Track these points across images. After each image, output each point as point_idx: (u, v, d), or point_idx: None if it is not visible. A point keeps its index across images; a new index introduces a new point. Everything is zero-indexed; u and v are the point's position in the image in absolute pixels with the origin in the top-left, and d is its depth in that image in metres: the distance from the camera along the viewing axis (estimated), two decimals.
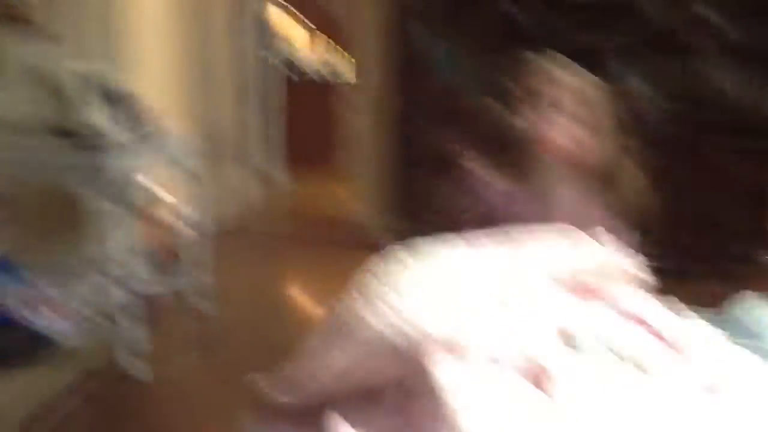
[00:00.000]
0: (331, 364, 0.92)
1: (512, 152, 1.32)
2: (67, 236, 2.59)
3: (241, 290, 3.13)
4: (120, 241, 2.21)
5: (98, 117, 2.32)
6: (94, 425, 1.88)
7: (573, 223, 1.12)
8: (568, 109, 1.29)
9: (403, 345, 0.83)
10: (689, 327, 0.99)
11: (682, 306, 1.08)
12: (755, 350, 1.00)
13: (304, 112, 6.37)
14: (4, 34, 2.34)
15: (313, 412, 0.92)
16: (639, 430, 0.76)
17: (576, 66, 1.33)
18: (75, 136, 2.20)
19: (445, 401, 0.76)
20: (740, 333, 1.18)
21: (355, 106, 4.04)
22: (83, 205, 2.55)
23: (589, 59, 1.30)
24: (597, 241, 1.09)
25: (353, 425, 0.86)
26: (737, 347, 0.99)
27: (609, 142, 1.30)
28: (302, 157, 6.19)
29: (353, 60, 4.35)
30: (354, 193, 4.16)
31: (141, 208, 2.75)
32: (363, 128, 3.95)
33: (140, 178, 2.48)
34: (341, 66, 7.04)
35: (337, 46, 7.19)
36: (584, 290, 1.00)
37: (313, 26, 7.49)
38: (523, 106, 1.31)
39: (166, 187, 3.66)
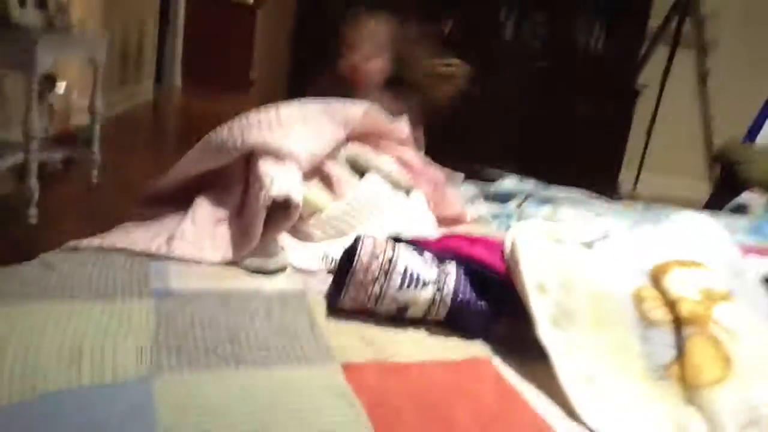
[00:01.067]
0: (193, 159, 1.42)
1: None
2: None
3: (122, 167, 3.56)
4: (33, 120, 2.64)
5: (30, 15, 2.70)
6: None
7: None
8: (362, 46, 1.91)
9: (244, 149, 1.35)
10: None
11: None
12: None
13: (206, 29, 6.76)
14: None
15: (181, 196, 1.43)
16: None
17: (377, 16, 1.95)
18: (10, 29, 2.58)
19: (263, 177, 1.28)
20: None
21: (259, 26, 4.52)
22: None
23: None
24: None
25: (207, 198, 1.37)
26: None
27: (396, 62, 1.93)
28: (200, 69, 6.65)
29: None
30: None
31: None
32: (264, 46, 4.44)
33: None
34: None
35: None
36: None
37: None
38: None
39: (73, 74, 4.09)
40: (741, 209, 1.89)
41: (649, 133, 4.89)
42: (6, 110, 3.30)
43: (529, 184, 1.85)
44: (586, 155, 4.37)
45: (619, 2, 4.34)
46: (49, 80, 3.34)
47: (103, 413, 0.76)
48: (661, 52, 4.78)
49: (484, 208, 1.72)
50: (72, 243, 1.24)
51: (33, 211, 2.72)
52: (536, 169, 2.87)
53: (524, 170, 2.28)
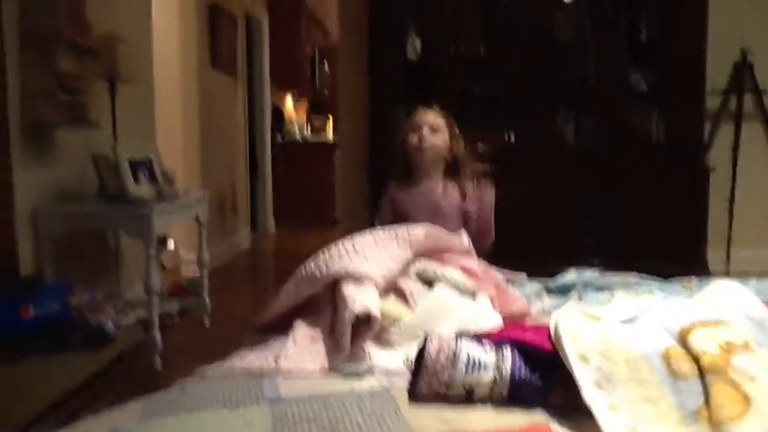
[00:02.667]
0: (289, 291, 1.71)
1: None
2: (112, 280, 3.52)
3: (230, 310, 3.94)
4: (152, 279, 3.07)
5: (143, 189, 3.22)
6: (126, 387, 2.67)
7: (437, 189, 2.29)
8: (424, 129, 2.32)
9: (329, 277, 1.63)
10: None
11: None
12: None
13: (292, 173, 7.43)
14: (74, 130, 3.23)
15: (284, 323, 1.71)
16: None
17: (435, 108, 2.41)
18: (127, 203, 3.06)
19: (346, 298, 1.54)
20: None
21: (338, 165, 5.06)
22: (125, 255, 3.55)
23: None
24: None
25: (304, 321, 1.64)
26: None
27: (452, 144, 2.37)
28: (290, 213, 7.27)
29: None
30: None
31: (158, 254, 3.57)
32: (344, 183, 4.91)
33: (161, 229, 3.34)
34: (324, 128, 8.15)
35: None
36: None
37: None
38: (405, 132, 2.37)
39: (179, 232, 4.61)
40: None
41: (731, 211, 4.95)
42: (126, 272, 3.78)
43: (588, 274, 2.04)
44: (667, 241, 4.47)
45: (672, 89, 4.56)
46: (161, 241, 3.81)
47: None
48: (724, 131, 4.92)
49: (548, 302, 1.92)
50: (199, 370, 1.53)
51: (157, 359, 3.09)
52: (623, 262, 3.02)
53: (611, 265, 2.46)
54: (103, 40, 3.36)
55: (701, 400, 1.11)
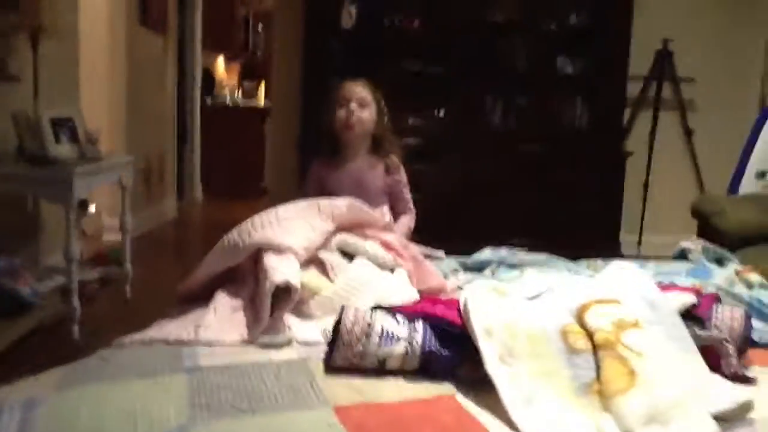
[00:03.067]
0: (212, 261, 1.73)
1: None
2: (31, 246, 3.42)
3: (153, 279, 3.90)
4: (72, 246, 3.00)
5: (65, 149, 3.13)
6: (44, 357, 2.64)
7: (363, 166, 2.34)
8: (352, 103, 2.32)
9: (251, 247, 1.66)
10: None
11: None
12: None
13: (220, 137, 7.34)
14: None
15: (205, 294, 1.73)
16: None
17: (362, 81, 2.40)
18: (47, 164, 2.98)
19: (267, 269, 1.57)
20: None
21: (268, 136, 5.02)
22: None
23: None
24: None
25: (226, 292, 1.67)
26: None
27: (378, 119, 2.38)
28: (218, 182, 7.17)
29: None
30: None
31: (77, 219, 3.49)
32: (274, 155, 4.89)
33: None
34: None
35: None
36: None
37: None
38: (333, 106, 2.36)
39: (102, 197, 4.51)
40: (684, 255, 2.15)
41: (645, 196, 5.18)
42: (45, 237, 3.68)
43: (502, 252, 2.13)
44: (584, 224, 4.65)
45: (596, 75, 4.71)
46: (82, 205, 3.72)
47: None
48: (643, 117, 5.12)
49: (463, 278, 2.00)
50: (119, 340, 1.54)
51: (76, 329, 3.04)
52: (542, 242, 3.14)
53: (531, 245, 2.55)
54: None
55: (593, 374, 1.21)
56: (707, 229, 3.26)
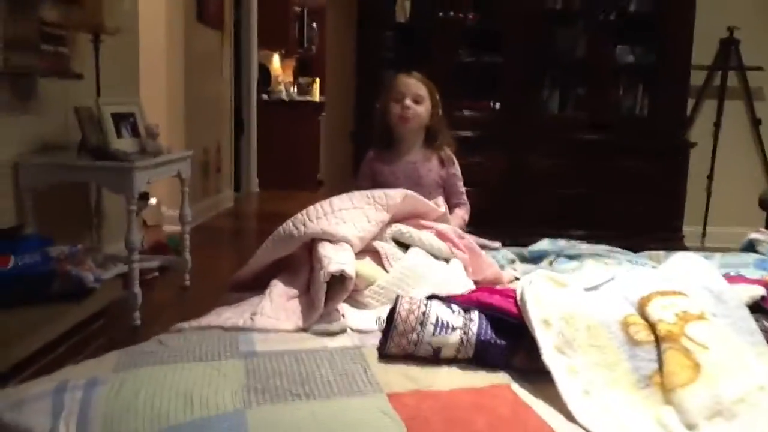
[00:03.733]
0: (267, 250, 1.75)
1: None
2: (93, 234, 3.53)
3: (211, 269, 3.97)
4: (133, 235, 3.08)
5: (126, 144, 3.23)
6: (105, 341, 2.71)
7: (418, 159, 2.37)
8: (407, 99, 2.30)
9: (306, 237, 1.67)
10: None
11: None
12: None
13: (276, 131, 7.44)
14: (57, 82, 3.22)
15: (260, 280, 1.75)
16: None
17: (416, 75, 2.37)
18: (109, 157, 3.07)
19: (322, 258, 1.58)
20: None
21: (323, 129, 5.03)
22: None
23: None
24: None
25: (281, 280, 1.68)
26: None
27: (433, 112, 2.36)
28: (274, 174, 7.28)
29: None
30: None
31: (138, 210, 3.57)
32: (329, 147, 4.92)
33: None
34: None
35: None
36: None
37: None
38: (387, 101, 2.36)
39: (162, 189, 4.62)
40: (752, 246, 2.07)
41: (709, 187, 5.02)
42: (108, 227, 3.79)
43: (561, 243, 2.09)
44: (646, 215, 4.53)
45: (658, 64, 4.58)
46: (142, 197, 3.81)
47: None
48: (707, 106, 4.96)
49: (520, 269, 1.97)
50: (177, 326, 1.56)
51: (137, 315, 3.12)
52: (602, 234, 3.06)
53: (590, 237, 2.50)
54: None
55: (655, 366, 1.17)
56: None
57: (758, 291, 1.42)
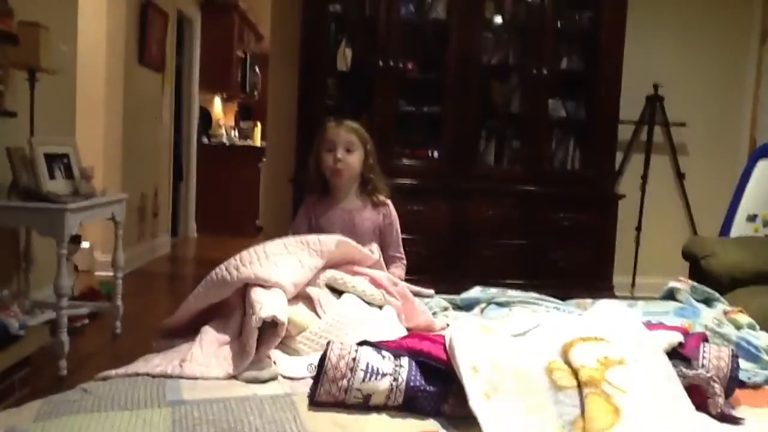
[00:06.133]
0: (199, 295, 1.73)
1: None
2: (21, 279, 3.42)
3: (144, 315, 3.88)
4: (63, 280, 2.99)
5: (59, 185, 3.16)
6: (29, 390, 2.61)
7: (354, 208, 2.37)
8: (339, 150, 2.32)
9: (239, 282, 1.66)
10: None
11: None
12: None
13: (215, 175, 7.38)
14: None
15: (191, 327, 1.72)
16: None
17: (348, 123, 2.38)
18: (39, 197, 3.00)
19: (254, 304, 1.57)
20: None
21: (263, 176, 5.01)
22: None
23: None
24: None
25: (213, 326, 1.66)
26: None
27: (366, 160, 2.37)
28: (213, 220, 7.19)
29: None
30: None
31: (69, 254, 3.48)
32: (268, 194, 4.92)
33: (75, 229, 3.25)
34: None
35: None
36: None
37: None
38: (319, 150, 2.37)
39: (96, 233, 4.51)
40: (672, 295, 2.16)
41: (638, 238, 5.20)
42: (37, 271, 3.67)
43: (492, 291, 2.13)
44: (578, 265, 4.66)
45: (588, 118, 4.77)
46: (75, 240, 3.72)
47: None
48: (635, 160, 5.18)
49: (452, 316, 2.00)
50: (103, 373, 1.53)
51: (63, 363, 3.01)
52: (535, 283, 3.11)
53: (524, 286, 2.54)
54: (25, 27, 3.27)
55: (578, 411, 1.20)
56: (698, 271, 3.27)
57: (676, 337, 1.48)
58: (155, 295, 4.82)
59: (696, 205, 5.20)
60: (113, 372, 1.52)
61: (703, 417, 1.30)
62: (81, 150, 3.58)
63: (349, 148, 2.33)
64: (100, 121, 5.01)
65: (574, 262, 4.63)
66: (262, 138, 8.04)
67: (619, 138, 4.85)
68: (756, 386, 1.60)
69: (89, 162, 3.64)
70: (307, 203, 2.47)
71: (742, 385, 1.56)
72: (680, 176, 5.21)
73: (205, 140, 7.74)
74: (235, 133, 8.58)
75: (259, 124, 8.33)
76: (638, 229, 5.16)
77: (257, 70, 8.84)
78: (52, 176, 3.25)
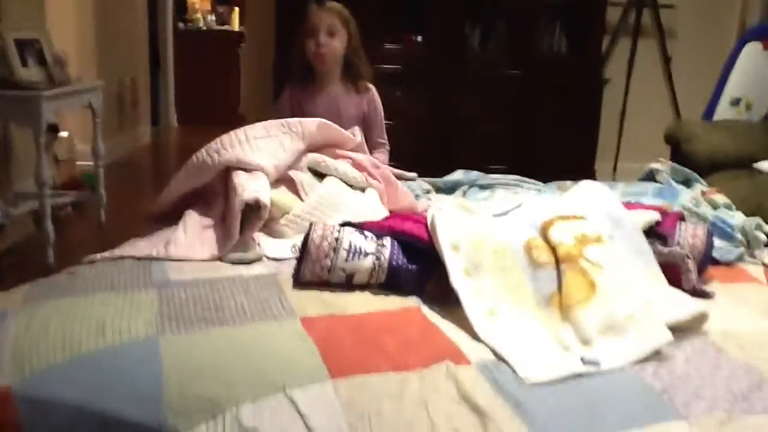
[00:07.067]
0: (181, 180, 1.72)
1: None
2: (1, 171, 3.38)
3: (128, 204, 3.88)
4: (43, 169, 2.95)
5: (32, 72, 3.05)
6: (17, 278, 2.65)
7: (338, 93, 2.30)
8: (321, 34, 2.25)
9: (220, 165, 1.66)
10: None
11: None
12: None
13: (194, 62, 7.18)
14: None
15: (176, 213, 1.73)
16: None
17: (331, 5, 2.31)
18: (12, 85, 2.91)
19: (236, 186, 1.57)
20: None
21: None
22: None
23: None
24: None
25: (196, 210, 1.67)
26: None
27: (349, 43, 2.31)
28: (193, 108, 7.04)
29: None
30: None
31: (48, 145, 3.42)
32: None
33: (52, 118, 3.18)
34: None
35: None
36: None
37: None
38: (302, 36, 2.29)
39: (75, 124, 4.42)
40: (652, 176, 2.18)
41: (621, 123, 5.18)
42: (17, 163, 3.62)
43: (473, 174, 2.14)
44: (561, 150, 4.67)
45: (576, 2, 4.65)
46: (53, 131, 3.65)
47: (124, 361, 1.05)
48: (622, 45, 5.09)
49: (434, 198, 2.01)
50: (89, 257, 1.54)
51: (50, 252, 3.03)
52: (518, 168, 3.11)
53: (507, 171, 2.54)
54: None
55: (555, 286, 1.24)
56: (680, 155, 3.28)
57: (653, 216, 1.51)
58: (138, 185, 4.80)
59: (681, 90, 5.16)
60: (99, 255, 1.53)
61: (676, 291, 1.35)
62: (53, 36, 3.45)
63: (331, 32, 2.27)
64: (70, 5, 4.80)
65: (557, 146, 4.63)
66: (241, 23, 7.77)
67: (606, 21, 4.74)
68: (729, 263, 1.65)
69: (61, 48, 3.52)
70: (289, 89, 2.42)
71: (716, 262, 1.61)
72: (667, 60, 5.13)
73: (181, 26, 7.48)
74: (212, 18, 8.28)
75: (236, 8, 8.02)
76: (622, 113, 5.14)
77: None
78: (24, 63, 3.14)
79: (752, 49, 4.09)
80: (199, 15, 7.99)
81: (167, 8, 6.88)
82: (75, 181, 4.00)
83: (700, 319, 1.25)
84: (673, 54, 5.11)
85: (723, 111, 4.13)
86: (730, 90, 4.06)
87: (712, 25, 5.16)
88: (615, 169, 5.22)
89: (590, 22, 4.63)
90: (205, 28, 7.87)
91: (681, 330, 1.21)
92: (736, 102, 3.97)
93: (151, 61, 6.47)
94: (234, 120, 6.64)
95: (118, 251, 1.54)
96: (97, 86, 3.63)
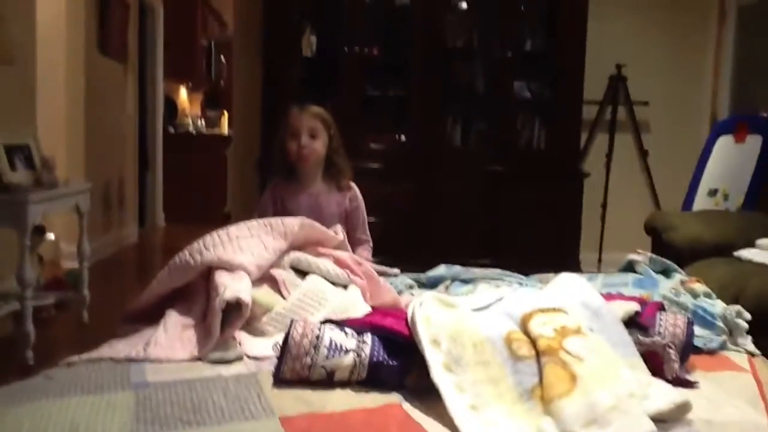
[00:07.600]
0: (163, 279, 1.72)
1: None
2: None
3: (111, 304, 3.84)
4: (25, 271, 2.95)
5: (20, 176, 3.13)
6: None
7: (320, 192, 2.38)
8: (303, 136, 2.33)
9: (203, 266, 1.66)
10: None
11: None
12: None
13: (182, 164, 7.31)
14: None
15: (155, 311, 1.72)
16: None
17: (312, 109, 2.38)
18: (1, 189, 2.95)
19: (218, 286, 1.58)
20: None
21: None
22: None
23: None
24: None
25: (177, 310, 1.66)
26: None
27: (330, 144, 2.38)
28: (181, 208, 7.11)
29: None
30: None
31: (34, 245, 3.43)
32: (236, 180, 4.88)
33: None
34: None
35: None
36: None
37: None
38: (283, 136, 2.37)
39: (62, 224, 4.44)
40: (631, 267, 2.21)
41: (603, 215, 5.27)
42: (1, 263, 3.62)
43: (456, 269, 2.16)
44: (545, 243, 4.71)
45: (553, 99, 4.82)
46: (39, 231, 3.66)
47: None
48: (599, 139, 5.25)
49: (417, 294, 2.01)
50: (67, 359, 1.52)
51: (30, 354, 2.99)
52: (503, 262, 3.14)
53: (492, 265, 2.57)
54: None
55: (536, 379, 1.23)
56: (660, 245, 3.34)
57: (633, 307, 1.52)
58: (123, 285, 4.78)
59: (659, 182, 5.29)
60: (77, 357, 1.52)
61: (658, 381, 1.34)
62: (43, 140, 3.53)
63: (313, 134, 2.34)
64: (61, 110, 4.93)
65: (540, 239, 4.68)
66: (230, 126, 7.97)
67: (583, 118, 4.91)
68: (711, 352, 1.65)
69: (51, 153, 3.59)
70: (272, 186, 2.47)
71: (698, 351, 1.61)
72: (644, 154, 5.29)
73: (171, 130, 7.66)
74: (201, 122, 8.50)
75: (225, 112, 8.26)
76: (603, 206, 5.24)
77: (222, 58, 8.75)
78: (13, 167, 3.20)
79: (725, 142, 4.24)
80: (188, 119, 8.20)
81: (157, 112, 7.06)
82: (59, 281, 3.98)
83: (683, 408, 1.24)
84: (649, 147, 5.27)
85: (701, 201, 4.23)
86: (707, 181, 4.18)
87: (684, 118, 5.36)
88: (600, 259, 5.26)
89: (568, 119, 4.79)
90: (194, 132, 8.07)
91: (664, 420, 1.20)
92: (713, 193, 4.07)
93: (140, 163, 6.58)
94: (221, 219, 6.73)
95: (96, 353, 1.52)
96: (84, 189, 3.68)
